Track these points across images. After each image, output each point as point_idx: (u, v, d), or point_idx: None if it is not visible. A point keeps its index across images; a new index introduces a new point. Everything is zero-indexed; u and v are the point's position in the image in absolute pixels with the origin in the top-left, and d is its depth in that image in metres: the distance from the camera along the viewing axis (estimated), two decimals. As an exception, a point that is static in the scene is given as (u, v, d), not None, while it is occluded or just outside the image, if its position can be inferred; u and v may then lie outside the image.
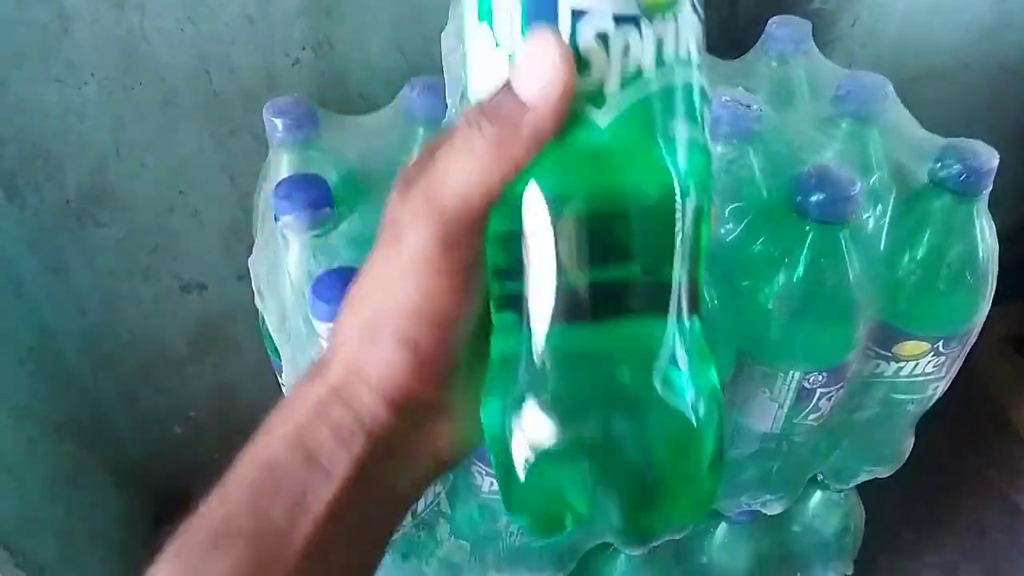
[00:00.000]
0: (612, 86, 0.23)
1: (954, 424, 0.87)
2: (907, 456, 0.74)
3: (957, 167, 0.56)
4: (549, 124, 0.22)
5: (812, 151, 0.58)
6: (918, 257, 0.59)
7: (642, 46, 0.23)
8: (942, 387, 0.67)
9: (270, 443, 0.28)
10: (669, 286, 0.24)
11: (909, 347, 0.62)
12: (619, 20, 0.23)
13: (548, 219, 0.23)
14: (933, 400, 0.68)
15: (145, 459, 1.11)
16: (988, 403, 1.24)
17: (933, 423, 0.73)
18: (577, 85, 0.22)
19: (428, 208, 0.24)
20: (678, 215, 0.24)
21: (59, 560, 0.87)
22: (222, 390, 1.06)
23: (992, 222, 0.58)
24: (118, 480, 1.07)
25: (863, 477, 0.75)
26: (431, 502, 0.57)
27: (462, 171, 0.23)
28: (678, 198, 0.24)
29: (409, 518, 0.56)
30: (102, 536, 1.01)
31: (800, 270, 0.55)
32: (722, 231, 0.56)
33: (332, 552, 0.26)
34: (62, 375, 0.96)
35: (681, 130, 0.24)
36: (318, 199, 0.52)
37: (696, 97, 0.24)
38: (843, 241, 0.55)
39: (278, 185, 0.52)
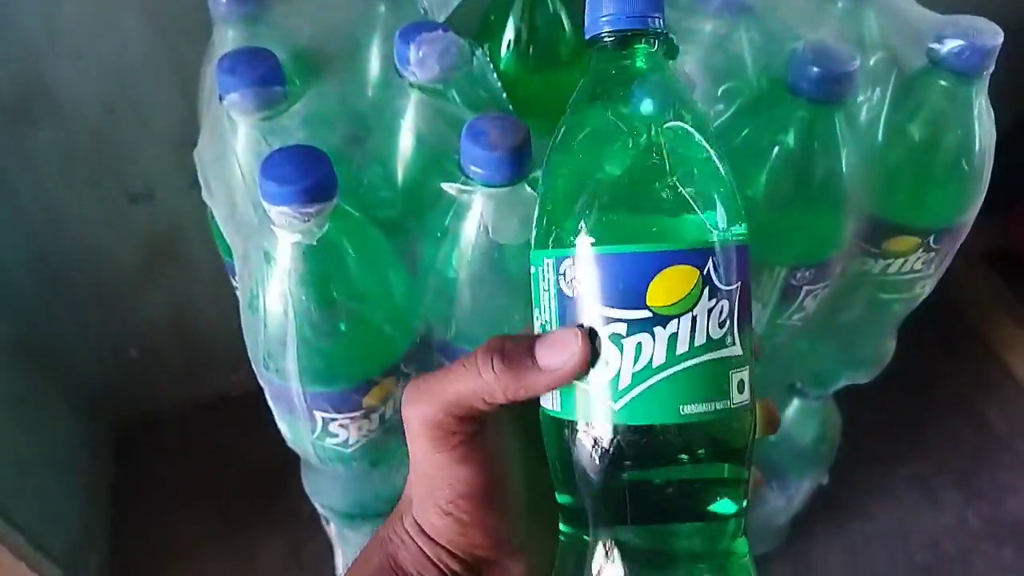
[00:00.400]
0: (624, 381, 0.28)
1: (927, 338, 0.86)
2: (888, 361, 0.73)
3: (958, 44, 0.52)
4: (544, 390, 0.29)
5: (806, 29, 0.54)
6: (913, 144, 0.55)
7: (654, 345, 0.27)
8: (929, 286, 0.64)
9: (368, 568, 0.32)
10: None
11: (899, 242, 0.59)
12: (632, 324, 0.27)
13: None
14: (919, 300, 0.65)
15: (102, 385, 1.06)
16: (962, 317, 1.23)
17: (907, 337, 0.71)
18: (596, 377, 0.28)
19: (426, 397, 0.29)
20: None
21: (16, 487, 0.84)
22: (178, 310, 1.01)
23: (991, 109, 0.55)
24: (75, 406, 1.03)
25: (843, 383, 0.73)
26: (399, 407, 0.54)
27: (466, 384, 0.28)
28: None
29: (378, 422, 0.53)
30: (62, 464, 0.97)
31: (792, 154, 0.51)
32: (711, 113, 0.52)
33: None
34: (8, 294, 0.90)
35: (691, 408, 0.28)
36: (266, 75, 0.47)
37: (714, 367, 0.28)
38: (838, 123, 0.51)
39: (221, 59, 0.47)
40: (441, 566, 0.31)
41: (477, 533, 0.30)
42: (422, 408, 0.29)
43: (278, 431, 0.58)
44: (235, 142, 0.48)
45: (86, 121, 0.79)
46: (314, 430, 0.52)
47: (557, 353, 0.28)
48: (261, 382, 0.51)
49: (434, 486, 0.30)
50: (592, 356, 0.28)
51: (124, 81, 0.78)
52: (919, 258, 0.60)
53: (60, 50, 0.74)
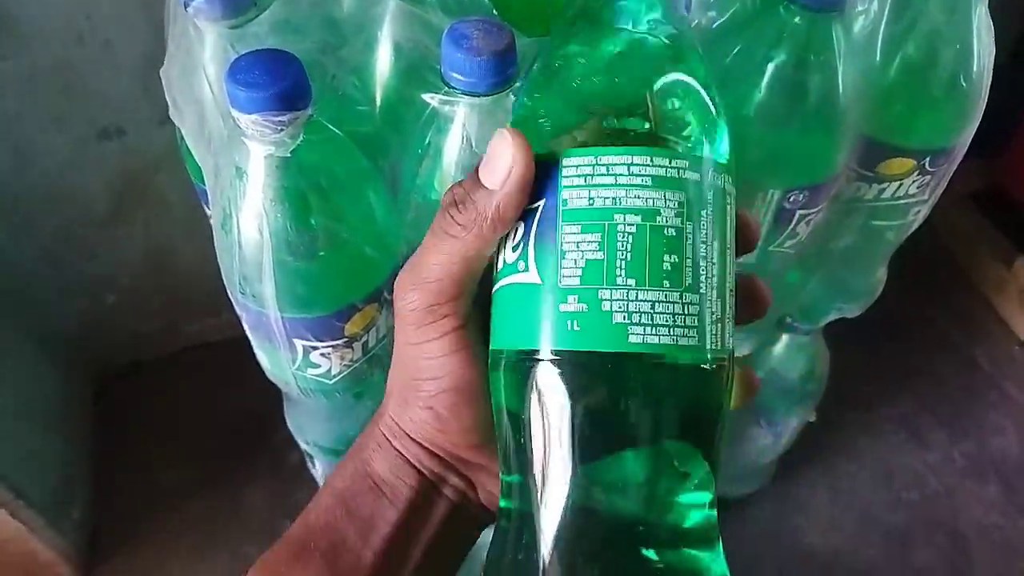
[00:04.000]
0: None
1: (913, 279, 0.85)
2: (879, 293, 0.72)
3: (959, -50, 0.50)
4: (512, 209, 0.27)
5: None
6: (910, 60, 0.54)
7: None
8: (923, 214, 0.63)
9: (343, 476, 0.32)
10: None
11: (894, 165, 0.57)
12: None
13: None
14: (912, 228, 0.64)
15: (79, 331, 1.04)
16: (948, 259, 1.23)
17: (892, 276, 0.70)
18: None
19: (414, 281, 0.28)
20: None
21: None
22: (155, 252, 0.99)
23: (991, 21, 0.53)
24: (52, 353, 1.01)
25: (833, 315, 0.72)
26: (383, 336, 0.52)
27: (441, 251, 0.28)
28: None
29: (361, 351, 0.51)
30: (41, 413, 0.95)
31: (787, 69, 0.49)
32: (702, 22, 0.50)
33: (399, 571, 0.31)
34: (-27, 237, 0.88)
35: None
36: (234, -20, 0.44)
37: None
38: (835, 35, 0.49)
39: (186, -36, 0.44)
40: (419, 466, 0.31)
41: (456, 429, 0.30)
42: (414, 294, 0.28)
43: (262, 379, 0.56)
44: (202, 53, 0.45)
45: (52, 53, 0.76)
46: (294, 360, 0.50)
47: (497, 163, 0.27)
48: (237, 309, 0.49)
49: (419, 378, 0.29)
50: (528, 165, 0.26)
51: (90, 11, 0.74)
52: (914, 182, 0.59)
53: (20, -25, 0.70)
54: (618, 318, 0.25)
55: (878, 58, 0.54)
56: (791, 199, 0.55)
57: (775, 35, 0.50)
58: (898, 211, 0.61)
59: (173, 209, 0.93)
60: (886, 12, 0.53)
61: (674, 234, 0.26)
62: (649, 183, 0.26)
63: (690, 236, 0.26)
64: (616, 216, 0.26)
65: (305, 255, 0.44)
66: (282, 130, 0.39)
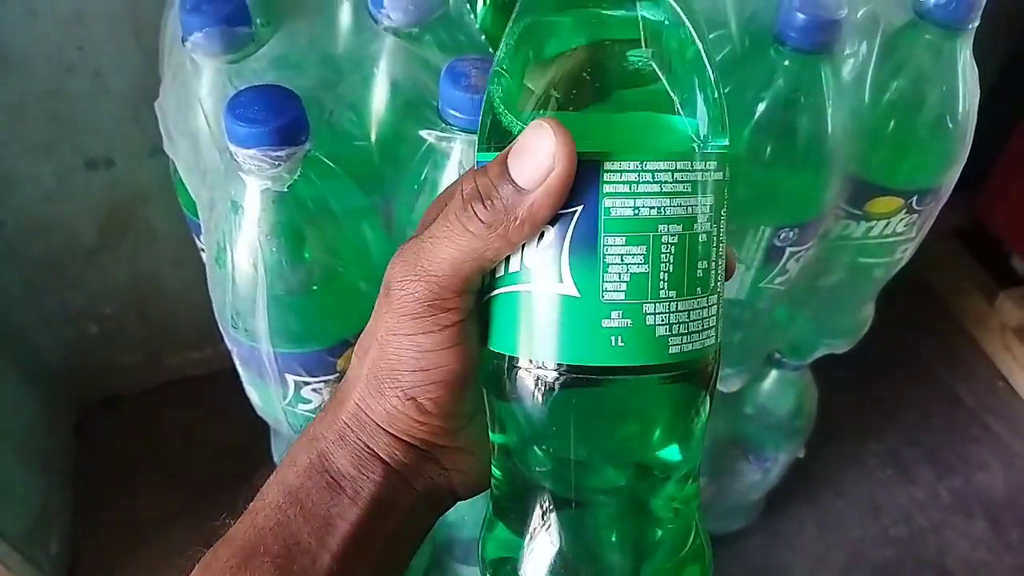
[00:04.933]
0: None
1: (898, 315, 0.86)
2: (866, 329, 0.72)
3: (944, -5, 0.51)
4: (545, 212, 0.24)
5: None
6: (897, 101, 0.55)
7: None
8: (910, 251, 0.64)
9: (294, 470, 0.29)
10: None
11: (882, 203, 0.58)
12: None
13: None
14: (900, 266, 0.65)
15: (61, 361, 1.03)
16: (932, 294, 1.24)
17: (876, 313, 0.71)
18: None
19: (418, 272, 0.26)
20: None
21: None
22: (139, 283, 0.98)
23: (975, 66, 0.55)
24: (33, 382, 0.99)
25: (821, 351, 0.73)
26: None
27: (457, 247, 0.25)
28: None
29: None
30: (18, 441, 0.94)
31: (777, 108, 0.50)
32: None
33: (358, 573, 0.28)
34: (-43, 264, 0.86)
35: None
36: (232, 15, 0.45)
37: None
38: (824, 76, 0.50)
39: (184, -1, 0.44)
40: (388, 459, 0.28)
41: (437, 420, 0.28)
42: (417, 285, 0.26)
43: (243, 412, 0.55)
44: (199, 87, 0.46)
45: (42, 82, 0.76)
46: (285, 395, 0.49)
47: (535, 159, 0.24)
48: (228, 344, 0.49)
49: (402, 369, 0.27)
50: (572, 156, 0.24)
51: (82, 41, 0.74)
52: (901, 220, 0.60)
53: (14, 6, 0.70)
54: (661, 331, 0.25)
55: (866, 99, 0.55)
56: (781, 236, 0.56)
57: (766, 76, 0.51)
58: (886, 249, 0.62)
59: (159, 241, 0.93)
60: (874, 54, 0.54)
61: (706, 239, 0.26)
62: (689, 189, 0.25)
63: (715, 238, 0.26)
64: (660, 227, 0.25)
65: (299, 290, 0.44)
66: (280, 165, 0.39)
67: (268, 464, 0.71)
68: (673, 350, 0.25)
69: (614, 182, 0.24)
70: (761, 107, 0.51)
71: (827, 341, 0.72)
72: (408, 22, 0.46)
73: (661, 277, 0.25)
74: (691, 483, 0.29)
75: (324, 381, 0.49)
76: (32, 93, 0.76)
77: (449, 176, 0.44)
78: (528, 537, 0.27)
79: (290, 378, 0.48)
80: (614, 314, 0.25)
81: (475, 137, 0.42)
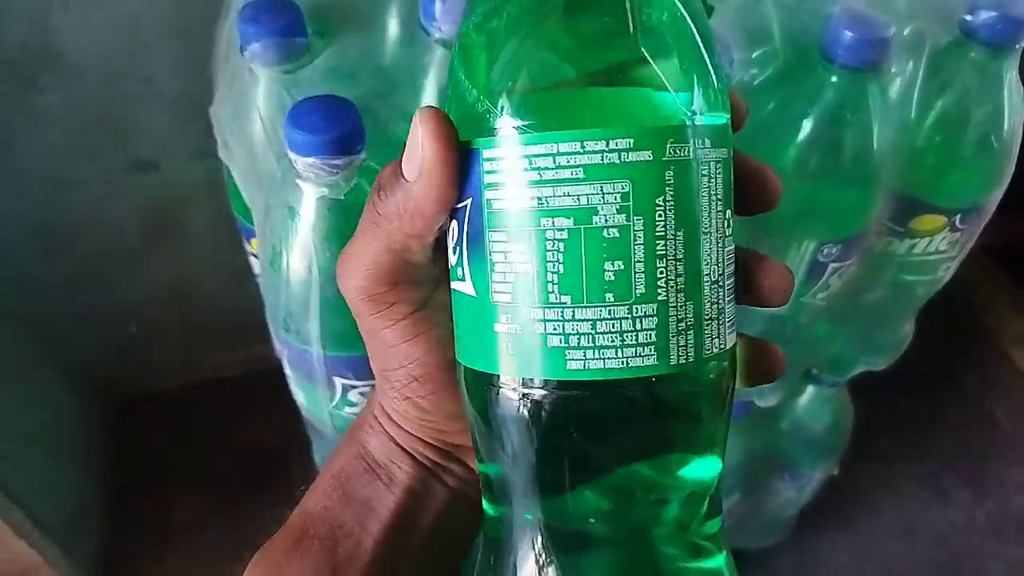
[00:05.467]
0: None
1: (934, 334, 0.85)
2: (905, 347, 0.72)
3: (991, 15, 0.51)
4: (430, 205, 0.23)
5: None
6: (942, 119, 0.54)
7: None
8: (952, 269, 0.63)
9: (339, 457, 0.30)
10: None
11: (926, 221, 0.58)
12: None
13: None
14: (941, 284, 0.64)
15: (99, 358, 1.04)
16: (969, 314, 1.23)
17: (913, 333, 0.71)
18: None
19: (347, 268, 0.26)
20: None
21: (11, 457, 0.82)
22: (178, 284, 1.00)
23: (1021, 85, 0.54)
24: (71, 379, 1.01)
25: (860, 368, 0.72)
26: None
27: (367, 239, 0.25)
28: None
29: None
30: (56, 436, 0.96)
31: (823, 125, 0.50)
32: (744, 79, 0.51)
33: (401, 562, 0.28)
34: (6, 262, 0.89)
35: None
36: (289, 26, 0.46)
37: None
38: (871, 94, 0.50)
39: (243, 8, 0.46)
40: (414, 454, 0.28)
41: (440, 418, 0.27)
42: (353, 281, 0.25)
43: (277, 414, 0.56)
44: (256, 96, 0.47)
45: (93, 87, 0.78)
46: (332, 398, 0.50)
47: (411, 150, 0.23)
48: (278, 346, 0.50)
49: (388, 368, 0.27)
50: (451, 146, 0.22)
51: (134, 48, 0.76)
52: (944, 238, 0.59)
53: (70, 12, 0.72)
54: (554, 342, 0.21)
55: (912, 116, 0.55)
56: (824, 252, 0.56)
57: (812, 92, 0.51)
58: (928, 267, 0.62)
59: (200, 244, 0.94)
60: (920, 72, 0.54)
61: (617, 235, 0.21)
62: (581, 175, 0.21)
63: (640, 235, 0.21)
64: (543, 220, 0.21)
65: (349, 295, 0.45)
66: (337, 173, 0.40)
67: (301, 467, 0.72)
68: (573, 365, 0.21)
69: (492, 171, 0.22)
70: (807, 123, 0.51)
71: (867, 358, 0.71)
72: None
73: (549, 279, 0.21)
74: (703, 519, 0.24)
75: (371, 385, 0.49)
76: (84, 97, 0.78)
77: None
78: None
79: (338, 381, 0.49)
80: (503, 318, 0.22)
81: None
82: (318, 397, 0.50)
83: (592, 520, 0.23)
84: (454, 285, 0.24)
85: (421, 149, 0.22)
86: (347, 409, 0.51)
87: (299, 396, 0.54)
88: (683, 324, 0.22)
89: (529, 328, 0.22)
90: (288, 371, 0.52)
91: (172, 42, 0.76)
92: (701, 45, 0.23)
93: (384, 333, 0.26)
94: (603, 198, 0.21)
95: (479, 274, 0.22)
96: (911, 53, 0.54)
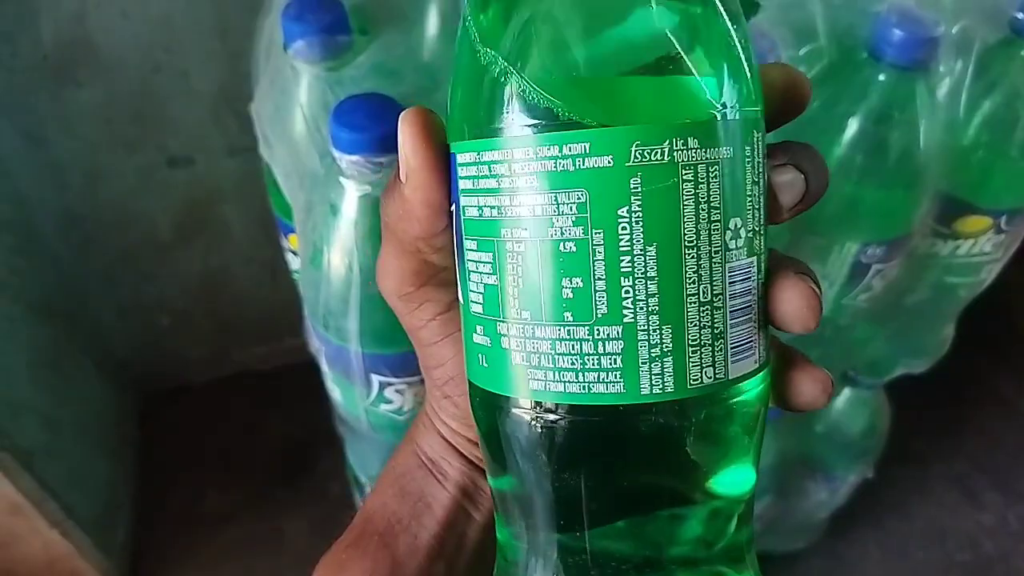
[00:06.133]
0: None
1: (969, 337, 0.84)
2: (945, 350, 0.71)
3: (1043, 14, 0.50)
4: (417, 208, 0.22)
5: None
6: (990, 119, 0.53)
7: None
8: (995, 272, 0.62)
9: (397, 455, 0.30)
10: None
11: (971, 222, 0.57)
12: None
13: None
14: (983, 286, 0.63)
15: (131, 350, 1.05)
16: (1005, 316, 1.21)
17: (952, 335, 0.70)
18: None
19: (383, 273, 0.26)
20: None
21: (45, 447, 0.83)
22: (211, 279, 1.00)
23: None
24: (104, 371, 1.02)
25: (898, 371, 0.71)
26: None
27: (386, 240, 0.25)
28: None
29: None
30: (89, 428, 0.97)
31: (870, 123, 0.50)
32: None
33: (457, 558, 0.28)
34: (41, 253, 0.90)
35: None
36: (333, 23, 0.46)
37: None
38: (919, 93, 0.49)
39: (288, 6, 0.46)
40: (463, 451, 0.29)
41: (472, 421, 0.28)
42: (386, 281, 0.26)
43: (307, 408, 0.56)
44: (299, 93, 0.47)
45: (130, 82, 0.78)
46: (369, 395, 0.50)
47: (401, 157, 0.23)
48: (316, 342, 0.50)
49: (429, 367, 0.27)
50: (434, 142, 0.21)
51: (170, 42, 0.77)
52: (989, 240, 0.58)
53: (107, 8, 0.72)
54: (516, 359, 0.20)
55: (960, 116, 0.54)
56: (868, 253, 0.55)
57: (858, 91, 0.50)
58: (971, 269, 0.60)
59: (233, 238, 0.95)
60: (969, 71, 0.53)
61: (575, 250, 0.19)
62: (535, 185, 0.19)
63: (600, 249, 0.19)
64: (503, 231, 0.20)
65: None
66: (380, 171, 0.40)
67: (330, 459, 0.72)
68: (535, 385, 0.20)
69: (463, 176, 0.21)
70: (853, 122, 0.50)
71: (906, 360, 0.70)
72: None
73: (510, 293, 0.20)
74: (729, 537, 0.22)
75: (407, 382, 0.49)
76: (120, 92, 0.79)
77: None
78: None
79: (375, 378, 0.49)
80: (478, 328, 0.21)
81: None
82: (354, 394, 0.50)
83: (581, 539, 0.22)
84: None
85: (402, 150, 0.22)
86: (383, 406, 0.50)
87: (335, 392, 0.54)
88: (659, 350, 0.19)
89: (496, 342, 0.21)
90: (325, 367, 0.52)
91: (208, 38, 0.76)
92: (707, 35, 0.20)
93: (420, 332, 0.26)
94: (558, 208, 0.19)
95: (462, 282, 0.22)
96: (959, 52, 0.53)
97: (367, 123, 0.39)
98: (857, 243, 0.54)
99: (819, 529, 0.93)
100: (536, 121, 0.19)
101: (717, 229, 0.20)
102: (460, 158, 0.21)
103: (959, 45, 0.53)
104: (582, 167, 0.19)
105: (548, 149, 0.19)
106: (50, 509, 0.80)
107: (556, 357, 0.20)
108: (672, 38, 0.19)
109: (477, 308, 0.21)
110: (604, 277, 0.19)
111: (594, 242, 0.19)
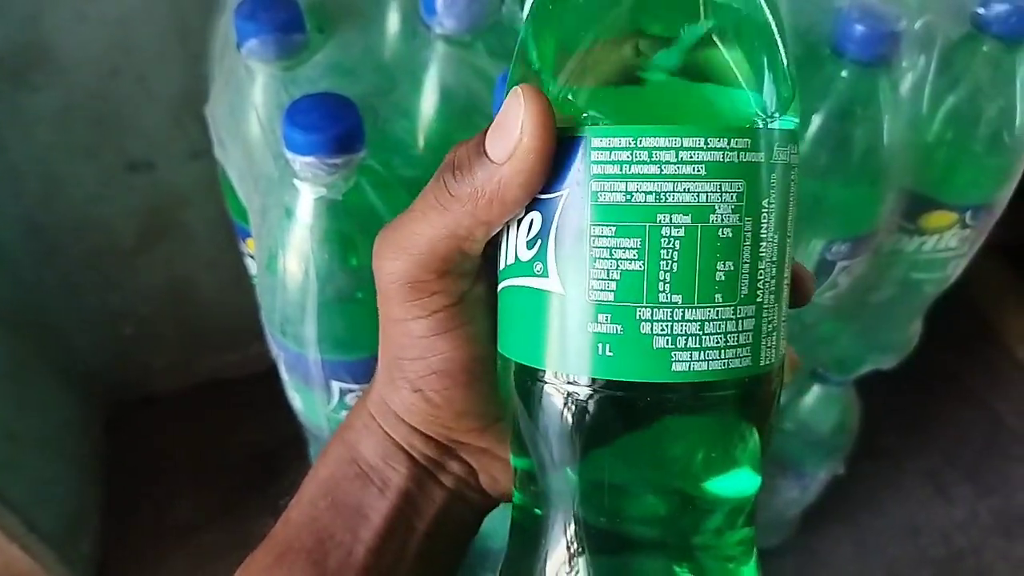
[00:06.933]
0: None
1: (939, 331, 0.85)
2: (913, 345, 0.71)
3: (1004, 8, 0.50)
4: (516, 192, 0.21)
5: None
6: (954, 114, 0.54)
7: None
8: (961, 267, 0.62)
9: (327, 463, 0.28)
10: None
11: (936, 218, 0.57)
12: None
13: None
14: (950, 282, 0.64)
15: (95, 360, 1.03)
16: (973, 310, 1.22)
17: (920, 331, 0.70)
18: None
19: (396, 250, 0.23)
20: None
21: (5, 461, 0.81)
22: (175, 286, 0.98)
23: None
24: (67, 381, 1.00)
25: (867, 367, 0.72)
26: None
27: (429, 222, 0.23)
28: None
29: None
30: (52, 440, 0.94)
31: (832, 120, 0.49)
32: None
33: (396, 569, 0.27)
34: (0, 264, 0.87)
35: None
36: (288, 22, 0.45)
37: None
38: (882, 88, 0.49)
39: (241, 5, 0.45)
40: (411, 451, 0.27)
41: (449, 415, 0.26)
42: (396, 264, 0.23)
43: (275, 415, 0.55)
44: (253, 93, 0.46)
45: (87, 85, 0.77)
46: (329, 402, 0.49)
47: (505, 129, 0.21)
48: (275, 349, 0.49)
49: (405, 357, 0.25)
50: (549, 128, 0.20)
51: (127, 44, 0.75)
52: (954, 235, 0.59)
53: (63, 10, 0.71)
54: (660, 343, 0.21)
55: (923, 112, 0.54)
56: (833, 250, 0.55)
57: (822, 87, 0.50)
58: (937, 264, 0.61)
59: (196, 244, 0.93)
60: (932, 67, 0.53)
61: (730, 235, 0.21)
62: (703, 172, 0.20)
63: (749, 235, 0.21)
64: (660, 216, 0.20)
65: (349, 296, 0.44)
66: (335, 173, 0.39)
67: (301, 468, 0.71)
68: (678, 367, 0.21)
69: (602, 161, 0.21)
70: (816, 118, 0.50)
71: (874, 357, 0.71)
72: (460, 29, 0.46)
73: (660, 278, 0.21)
74: (742, 526, 0.24)
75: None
76: (77, 96, 0.77)
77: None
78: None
79: (335, 385, 0.48)
80: (601, 317, 0.21)
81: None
82: (315, 401, 0.49)
83: (631, 520, 0.23)
84: (524, 280, 0.23)
85: (520, 131, 0.20)
86: (344, 413, 0.49)
87: (295, 400, 0.52)
88: (771, 325, 0.22)
89: (633, 329, 0.21)
90: (284, 375, 0.51)
91: (167, 40, 0.75)
92: (782, 47, 0.23)
93: (413, 323, 0.24)
94: (721, 196, 0.21)
95: (573, 271, 0.21)
96: (922, 47, 0.53)
97: (321, 123, 0.38)
98: (822, 240, 0.54)
99: (792, 526, 0.94)
100: None
101: (793, 224, 0.23)
102: (598, 142, 0.21)
103: (922, 40, 0.53)
104: (743, 160, 0.21)
105: (718, 141, 0.20)
106: (10, 523, 0.78)
107: (703, 337, 0.21)
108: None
109: (605, 296, 0.21)
110: (749, 261, 0.21)
111: (745, 228, 0.21)
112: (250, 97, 0.46)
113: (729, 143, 0.20)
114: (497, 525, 0.28)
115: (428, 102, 0.47)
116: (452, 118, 0.47)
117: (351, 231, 0.42)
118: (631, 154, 0.20)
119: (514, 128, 0.21)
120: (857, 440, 0.85)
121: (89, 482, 0.99)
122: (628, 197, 0.21)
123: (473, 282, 0.24)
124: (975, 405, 1.14)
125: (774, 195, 0.21)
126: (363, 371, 0.47)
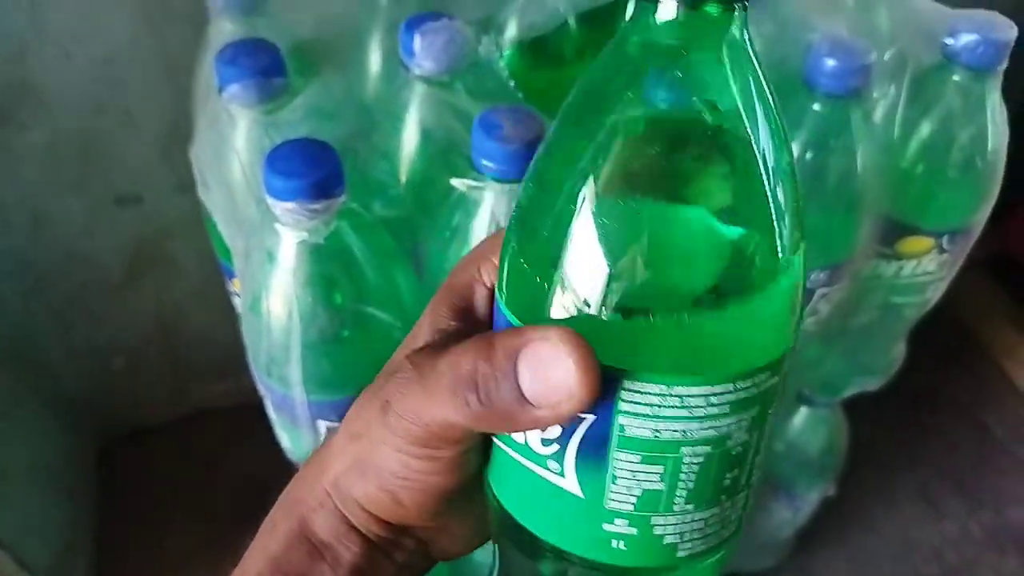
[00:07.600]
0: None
1: (926, 346, 0.85)
2: (897, 367, 0.72)
3: (972, 38, 0.51)
4: (548, 426, 0.22)
5: (819, 23, 0.53)
6: (927, 142, 0.55)
7: None
8: (941, 290, 0.63)
9: (276, 537, 0.28)
10: None
11: (913, 243, 0.58)
12: None
13: None
14: (930, 304, 0.64)
15: (85, 393, 1.03)
16: (961, 324, 1.23)
17: (905, 345, 0.71)
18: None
19: (416, 420, 0.24)
20: None
21: (-6, 497, 0.81)
22: (164, 319, 0.99)
23: (1004, 105, 0.54)
24: (57, 415, 1.00)
25: (852, 390, 0.72)
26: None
27: (450, 411, 0.23)
28: None
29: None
30: (43, 474, 0.94)
31: (806, 151, 0.50)
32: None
33: None
34: (-13, 299, 0.88)
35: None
36: (268, 67, 0.45)
37: None
38: (854, 119, 0.50)
39: (222, 50, 0.45)
40: (366, 532, 0.27)
41: (413, 513, 0.26)
42: (411, 428, 0.24)
43: (267, 445, 0.55)
44: (235, 137, 0.46)
45: (74, 121, 0.77)
46: (317, 441, 0.49)
47: (549, 379, 0.21)
48: (262, 390, 0.49)
49: (388, 471, 0.25)
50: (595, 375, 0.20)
51: (114, 81, 0.76)
52: (932, 260, 0.59)
53: (48, 48, 0.71)
54: (670, 539, 0.23)
55: (895, 140, 0.55)
56: (811, 278, 0.55)
57: (795, 119, 0.51)
58: (916, 288, 0.61)
59: (185, 276, 0.93)
60: (903, 96, 0.54)
61: (741, 451, 0.23)
62: (728, 411, 0.21)
63: (755, 444, 0.23)
64: (684, 449, 0.22)
65: (333, 337, 0.44)
66: (316, 218, 0.39)
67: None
68: (682, 553, 0.23)
69: (634, 402, 0.21)
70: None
71: (859, 379, 0.71)
72: (439, 70, 0.46)
73: (678, 494, 0.22)
74: None
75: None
76: (64, 132, 0.77)
77: (480, 224, 0.44)
78: None
79: (322, 424, 0.48)
80: (618, 521, 0.23)
81: (507, 186, 0.43)
82: (302, 440, 0.50)
83: None
84: (539, 470, 0.23)
85: (573, 386, 0.20)
86: (333, 451, 0.50)
87: (283, 439, 0.53)
88: (755, 483, 0.24)
89: (647, 531, 0.23)
90: (271, 414, 0.51)
91: (153, 75, 0.75)
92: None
93: (414, 461, 0.25)
94: (739, 425, 0.22)
95: (591, 482, 0.22)
96: (893, 76, 0.54)
97: (301, 169, 0.39)
98: (801, 269, 0.54)
99: (786, 546, 0.94)
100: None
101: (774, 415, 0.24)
102: (630, 385, 0.21)
103: (893, 70, 0.54)
104: (762, 389, 0.22)
105: (744, 382, 0.21)
106: (0, 560, 0.78)
107: (707, 527, 0.23)
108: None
109: (624, 507, 0.23)
110: (752, 461, 0.23)
111: (753, 439, 0.23)
112: (232, 141, 0.46)
113: (753, 380, 0.22)
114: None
115: (408, 142, 0.48)
116: (432, 157, 0.47)
117: (334, 273, 0.43)
118: (662, 399, 0.21)
119: (561, 385, 0.21)
120: (848, 457, 0.85)
121: (80, 516, 0.99)
122: (656, 434, 0.22)
123: (478, 438, 0.25)
124: (965, 419, 1.14)
125: (768, 415, 0.23)
126: (348, 410, 0.47)
